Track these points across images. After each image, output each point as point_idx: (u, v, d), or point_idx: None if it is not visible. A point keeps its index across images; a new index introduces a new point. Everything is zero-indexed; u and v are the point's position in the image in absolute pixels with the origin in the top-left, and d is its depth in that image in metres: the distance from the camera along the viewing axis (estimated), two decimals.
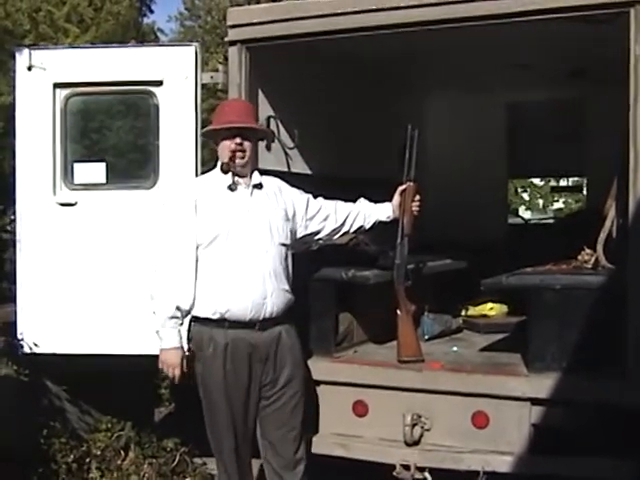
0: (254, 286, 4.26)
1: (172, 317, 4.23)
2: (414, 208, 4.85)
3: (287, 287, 4.43)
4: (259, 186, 4.46)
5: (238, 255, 4.27)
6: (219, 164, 4.47)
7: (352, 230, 4.85)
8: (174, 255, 4.26)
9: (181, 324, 4.30)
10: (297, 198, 4.64)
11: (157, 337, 4.29)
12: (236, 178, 4.39)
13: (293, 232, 4.56)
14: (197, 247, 4.28)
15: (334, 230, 4.79)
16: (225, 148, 4.38)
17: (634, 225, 4.32)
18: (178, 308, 4.23)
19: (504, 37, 5.12)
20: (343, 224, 4.79)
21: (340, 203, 4.80)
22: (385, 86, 6.95)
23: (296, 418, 4.47)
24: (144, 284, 5.09)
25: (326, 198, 4.79)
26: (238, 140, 4.36)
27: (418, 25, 4.77)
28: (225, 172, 4.39)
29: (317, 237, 4.78)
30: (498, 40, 5.31)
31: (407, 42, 5.25)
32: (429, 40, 5.13)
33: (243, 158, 4.38)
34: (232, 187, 4.37)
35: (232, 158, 4.36)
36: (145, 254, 5.12)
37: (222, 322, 4.27)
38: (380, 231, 5.01)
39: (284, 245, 4.44)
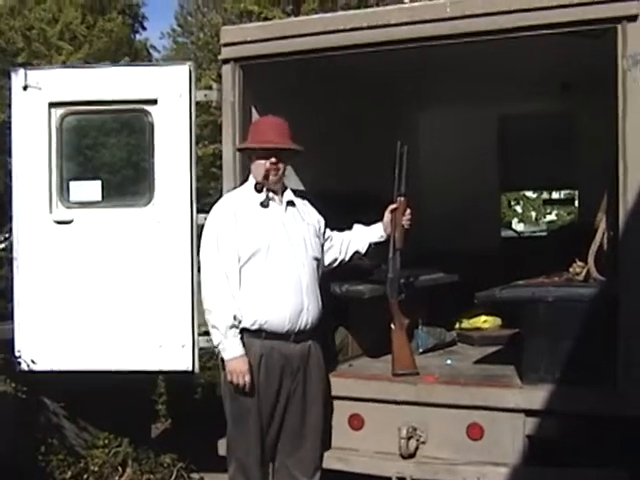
0: (293, 298, 4.35)
1: (232, 326, 4.28)
2: (405, 222, 4.91)
3: (320, 301, 4.53)
4: (291, 203, 4.56)
5: (277, 268, 4.36)
6: (250, 180, 4.56)
7: (348, 257, 4.91)
8: (224, 267, 4.32)
9: (240, 332, 4.33)
10: (320, 221, 4.74)
11: (220, 349, 4.33)
12: (270, 194, 4.48)
13: (322, 249, 4.67)
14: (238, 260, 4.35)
15: (335, 260, 4.87)
16: (260, 167, 4.46)
17: (624, 237, 4.37)
18: (235, 317, 4.28)
19: (497, 51, 5.17)
20: (341, 252, 4.87)
21: (337, 233, 4.89)
22: (378, 102, 6.99)
23: (319, 430, 4.57)
24: (140, 301, 5.18)
25: (321, 213, 4.84)
26: (274, 160, 4.45)
27: (411, 42, 4.82)
28: (259, 191, 4.47)
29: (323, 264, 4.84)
30: (491, 54, 5.36)
31: (400, 58, 5.29)
32: (422, 56, 5.18)
33: (276, 176, 4.47)
34: (265, 203, 4.46)
35: (266, 177, 4.44)
36: (141, 271, 5.20)
37: (259, 333, 4.34)
38: (374, 245, 5.05)
39: (317, 259, 4.55)
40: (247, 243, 4.34)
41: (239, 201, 4.51)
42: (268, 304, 4.33)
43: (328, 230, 4.82)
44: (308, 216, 4.65)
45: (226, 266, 4.32)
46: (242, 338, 4.32)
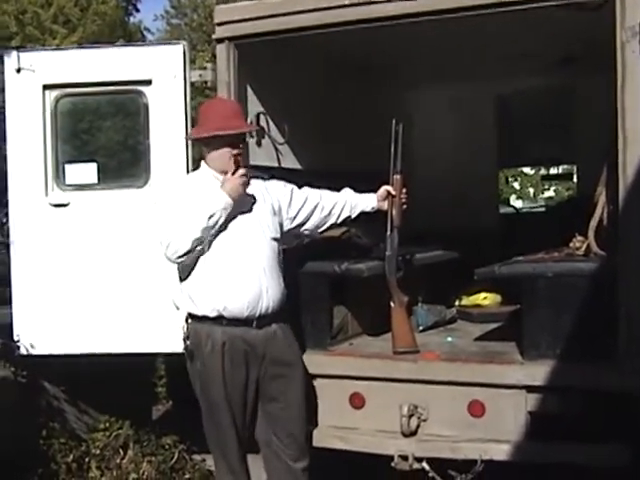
0: (250, 282, 4.28)
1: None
2: (402, 200, 4.88)
3: (281, 282, 4.45)
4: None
5: (232, 252, 4.28)
6: (204, 168, 4.45)
7: (339, 221, 4.86)
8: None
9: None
10: (281, 191, 4.65)
11: (214, 219, 4.16)
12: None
13: (281, 226, 4.56)
14: None
15: (322, 221, 4.80)
16: (226, 155, 4.31)
17: (624, 211, 4.35)
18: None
19: (494, 27, 5.12)
20: (330, 215, 4.79)
21: (325, 193, 4.81)
22: (374, 79, 6.96)
23: (302, 413, 4.53)
24: (138, 282, 5.17)
25: (290, 182, 4.79)
26: (242, 146, 4.39)
27: (410, 17, 4.76)
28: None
29: (305, 229, 4.78)
30: (488, 30, 5.31)
31: (398, 35, 5.24)
32: (420, 32, 5.13)
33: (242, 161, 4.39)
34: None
35: (237, 163, 4.29)
36: (139, 253, 5.18)
37: (220, 320, 4.27)
38: (371, 224, 5.03)
39: (275, 240, 4.45)
40: None
41: (189, 187, 4.41)
42: (225, 289, 4.25)
43: (303, 192, 4.73)
44: (265, 194, 4.53)
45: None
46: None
